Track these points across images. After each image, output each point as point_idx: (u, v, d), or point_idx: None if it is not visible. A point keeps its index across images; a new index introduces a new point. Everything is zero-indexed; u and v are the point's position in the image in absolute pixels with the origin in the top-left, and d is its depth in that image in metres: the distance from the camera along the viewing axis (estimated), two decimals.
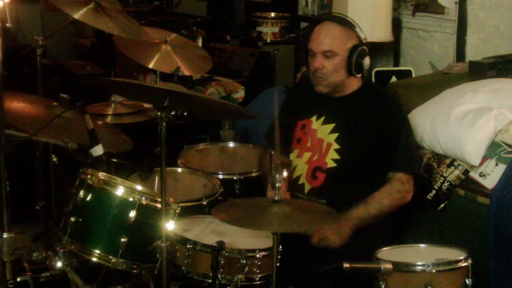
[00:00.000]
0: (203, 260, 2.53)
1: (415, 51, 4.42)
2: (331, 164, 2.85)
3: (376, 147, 2.82)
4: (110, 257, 2.58)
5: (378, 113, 2.86)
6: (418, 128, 3.09)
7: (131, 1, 6.24)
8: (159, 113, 2.35)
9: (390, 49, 4.42)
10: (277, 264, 2.36)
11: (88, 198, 2.62)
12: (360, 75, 2.89)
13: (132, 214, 2.57)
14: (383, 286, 2.34)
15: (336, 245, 2.69)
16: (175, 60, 3.71)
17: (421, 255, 2.48)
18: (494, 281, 2.69)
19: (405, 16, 4.45)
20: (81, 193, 2.63)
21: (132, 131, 3.34)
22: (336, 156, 2.85)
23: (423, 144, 3.11)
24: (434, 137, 3.04)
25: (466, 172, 2.92)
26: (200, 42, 4.91)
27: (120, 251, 2.57)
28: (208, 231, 2.71)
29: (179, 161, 3.37)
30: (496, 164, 2.84)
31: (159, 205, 2.52)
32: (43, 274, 2.84)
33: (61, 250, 2.67)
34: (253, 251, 2.53)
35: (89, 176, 2.64)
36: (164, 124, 2.36)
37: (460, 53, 4.02)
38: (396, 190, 2.78)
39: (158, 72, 3.84)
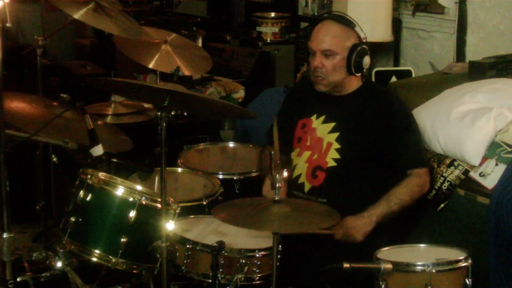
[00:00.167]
0: (203, 260, 2.53)
1: (415, 51, 4.42)
2: (331, 163, 2.85)
3: (382, 145, 2.82)
4: (110, 257, 2.58)
5: (379, 113, 2.86)
6: None
7: (131, 1, 6.24)
8: (159, 113, 2.35)
9: (390, 49, 4.42)
10: (277, 264, 2.36)
11: (88, 198, 2.62)
12: (359, 74, 2.89)
13: (132, 214, 2.57)
14: (383, 286, 2.34)
15: (359, 241, 2.72)
16: (175, 60, 3.72)
17: (421, 255, 2.48)
18: (494, 281, 2.69)
19: (405, 16, 4.44)
20: (81, 193, 2.63)
21: (132, 131, 3.34)
22: (337, 156, 2.85)
23: (424, 142, 3.11)
24: (434, 137, 3.04)
25: (466, 172, 2.92)
26: (200, 42, 4.91)
27: (120, 251, 2.57)
28: (208, 231, 2.71)
29: (179, 161, 3.37)
30: (496, 164, 2.84)
31: (159, 205, 2.52)
32: (43, 274, 2.84)
33: (61, 250, 2.67)
34: (253, 251, 2.53)
35: (89, 176, 2.64)
36: (164, 124, 2.36)
37: (460, 53, 4.02)
38: (415, 184, 2.82)
39: (158, 72, 3.84)
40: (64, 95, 2.98)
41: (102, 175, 2.65)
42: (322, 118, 2.93)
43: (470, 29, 3.98)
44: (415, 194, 2.81)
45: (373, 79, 4.01)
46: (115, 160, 2.70)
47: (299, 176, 2.91)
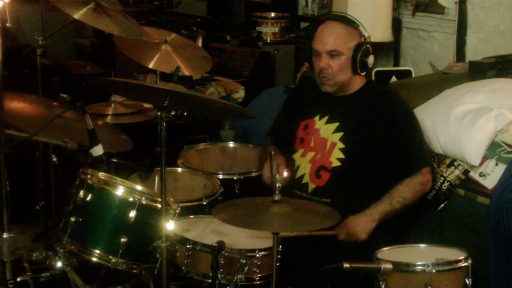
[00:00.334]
0: (203, 260, 2.53)
1: (415, 51, 4.42)
2: (336, 163, 2.85)
3: (385, 145, 2.82)
4: (110, 257, 2.58)
5: (382, 113, 2.86)
6: None
7: (131, 1, 6.24)
8: (159, 113, 2.35)
9: (390, 49, 4.42)
10: (277, 264, 2.36)
11: (88, 198, 2.62)
12: (364, 73, 2.90)
13: (132, 214, 2.57)
14: (383, 286, 2.34)
15: (363, 239, 2.72)
16: (175, 60, 3.72)
17: (421, 255, 2.48)
18: (494, 281, 2.69)
19: (405, 16, 4.45)
20: (81, 193, 2.63)
21: (132, 131, 3.34)
22: (341, 155, 2.85)
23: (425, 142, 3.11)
24: (434, 137, 3.04)
25: (466, 172, 2.92)
26: (200, 42, 4.91)
27: (120, 251, 2.57)
28: (208, 231, 2.71)
29: (179, 161, 3.37)
30: (496, 164, 2.84)
31: (159, 205, 2.52)
32: (43, 274, 2.84)
33: (61, 250, 2.67)
34: (253, 251, 2.53)
35: (89, 176, 2.64)
36: (164, 124, 2.36)
37: (460, 53, 4.02)
38: (418, 182, 2.82)
39: (158, 72, 3.84)
40: (64, 95, 2.97)
41: (102, 175, 2.65)
42: (326, 118, 2.93)
43: (470, 29, 3.99)
44: (417, 193, 2.82)
45: (373, 79, 4.01)
46: (115, 160, 2.70)
47: (302, 176, 2.91)
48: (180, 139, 3.63)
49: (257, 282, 2.54)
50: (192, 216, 2.84)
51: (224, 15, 5.97)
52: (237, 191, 3.21)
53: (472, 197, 2.86)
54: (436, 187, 2.96)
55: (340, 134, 2.87)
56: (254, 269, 2.52)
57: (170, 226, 2.49)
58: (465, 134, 2.91)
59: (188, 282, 2.68)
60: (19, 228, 3.86)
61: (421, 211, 3.03)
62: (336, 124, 2.90)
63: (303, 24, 5.22)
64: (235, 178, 3.23)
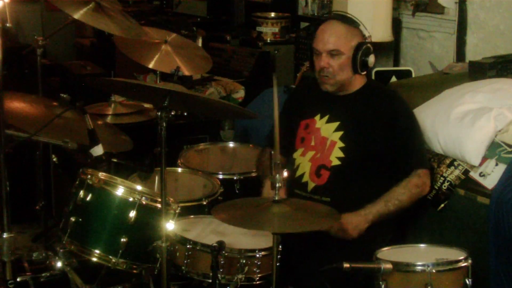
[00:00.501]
0: (203, 260, 2.53)
1: (415, 51, 4.42)
2: (335, 162, 2.85)
3: (385, 145, 2.82)
4: (110, 257, 2.58)
5: (382, 112, 2.86)
6: None
7: (131, 1, 6.24)
8: (159, 113, 2.35)
9: (390, 49, 4.42)
10: (277, 264, 2.36)
11: (88, 198, 2.62)
12: (364, 72, 2.90)
13: (132, 214, 2.57)
14: (383, 286, 2.34)
15: (353, 237, 2.71)
16: (175, 60, 3.72)
17: (421, 255, 2.48)
18: (494, 281, 2.69)
19: (405, 16, 4.45)
20: (81, 193, 2.63)
21: (132, 131, 3.34)
22: (341, 154, 2.85)
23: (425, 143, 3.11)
24: (434, 137, 3.04)
25: (466, 172, 2.92)
26: (200, 42, 4.91)
27: (120, 251, 2.57)
28: (208, 231, 2.71)
29: (179, 161, 3.37)
30: (496, 164, 2.84)
31: (159, 205, 2.52)
32: (43, 274, 2.85)
33: (61, 250, 2.67)
34: (253, 251, 2.53)
35: (89, 176, 2.64)
36: (164, 124, 2.36)
37: (460, 53, 4.02)
38: (415, 185, 2.81)
39: (158, 72, 3.84)
40: (64, 95, 2.97)
41: (102, 175, 2.65)
42: (326, 117, 2.93)
43: (470, 29, 3.99)
44: (413, 195, 2.81)
45: (373, 79, 4.01)
46: (115, 160, 2.70)
47: (302, 175, 2.91)
48: (180, 139, 3.64)
49: (257, 282, 2.54)
50: (192, 216, 2.84)
51: (224, 15, 5.97)
52: (237, 191, 3.21)
53: (472, 197, 2.86)
54: (436, 187, 2.96)
55: (340, 133, 2.88)
56: (254, 269, 2.52)
57: (170, 226, 2.49)
58: (465, 134, 2.91)
59: (188, 282, 2.68)
60: (19, 228, 3.86)
61: (421, 211, 3.03)
62: (337, 123, 2.90)
63: (303, 24, 5.22)
64: (235, 178, 3.23)
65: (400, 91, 3.37)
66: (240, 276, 2.51)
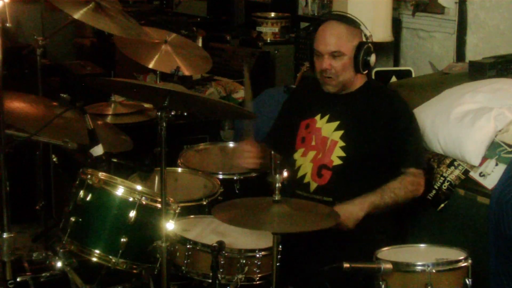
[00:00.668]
0: (203, 260, 2.53)
1: (415, 51, 4.42)
2: (337, 161, 2.85)
3: (384, 144, 2.82)
4: (110, 257, 2.58)
5: (383, 111, 2.86)
6: None
7: (131, 1, 6.24)
8: (159, 113, 2.35)
9: (390, 49, 4.43)
10: (277, 264, 2.36)
11: (88, 198, 2.62)
12: (366, 72, 2.91)
13: (132, 214, 2.57)
14: (383, 286, 2.34)
15: (349, 228, 2.68)
16: (175, 60, 3.72)
17: (421, 255, 2.48)
18: (494, 281, 2.69)
19: (405, 16, 4.45)
20: (81, 193, 2.62)
21: (132, 131, 3.34)
22: (342, 154, 2.85)
23: (423, 144, 3.11)
24: (434, 137, 3.04)
25: (466, 172, 2.92)
26: (200, 42, 4.91)
27: (120, 251, 2.57)
28: (208, 231, 2.71)
29: (179, 161, 3.37)
30: (496, 164, 2.84)
31: (159, 205, 2.52)
32: (43, 274, 2.85)
33: (61, 250, 2.67)
34: (253, 251, 2.53)
35: (89, 176, 2.64)
36: (164, 124, 2.36)
37: (460, 53, 4.02)
38: (410, 182, 2.79)
39: (158, 72, 3.84)
40: (64, 95, 2.97)
41: (102, 175, 2.64)
42: (327, 117, 2.93)
43: (470, 29, 3.99)
44: (408, 192, 2.79)
45: (373, 78, 4.02)
46: (115, 160, 2.70)
47: (304, 176, 2.91)
48: (180, 139, 3.63)
49: (257, 282, 2.54)
50: (192, 216, 2.84)
51: (224, 15, 5.97)
52: (237, 191, 3.21)
53: (472, 197, 2.86)
54: (436, 187, 2.96)
55: (340, 132, 2.88)
56: (254, 269, 2.52)
57: (170, 226, 2.49)
58: (465, 134, 2.91)
59: (188, 282, 2.68)
60: (19, 228, 3.86)
61: (421, 211, 3.03)
62: (337, 122, 2.90)
63: (303, 24, 5.23)
64: (235, 178, 3.23)
65: (400, 91, 3.37)
66: (240, 276, 2.51)
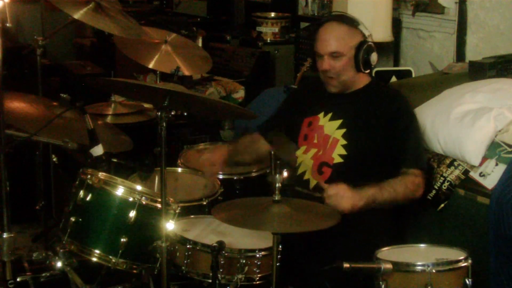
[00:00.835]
0: (203, 260, 2.53)
1: (415, 51, 4.42)
2: (338, 159, 2.85)
3: (385, 144, 2.82)
4: (110, 257, 2.58)
5: (385, 111, 2.87)
6: None
7: (131, 1, 6.24)
8: (159, 113, 2.35)
9: (390, 49, 4.42)
10: (277, 264, 2.36)
11: (88, 198, 2.62)
12: (368, 71, 2.91)
13: (132, 214, 2.57)
14: (383, 286, 2.34)
15: (344, 209, 2.60)
16: (175, 60, 3.72)
17: (421, 255, 2.48)
18: (494, 281, 2.69)
19: (405, 16, 4.45)
20: (81, 193, 2.62)
21: (132, 131, 3.35)
22: (343, 152, 2.85)
23: (424, 144, 3.11)
24: (434, 137, 3.04)
25: (466, 172, 2.92)
26: (200, 42, 4.91)
27: (120, 251, 2.57)
28: (208, 231, 2.71)
29: (179, 161, 3.37)
30: (496, 164, 2.84)
31: (159, 205, 2.52)
32: (43, 274, 2.85)
33: (61, 250, 2.67)
34: (253, 251, 2.53)
35: (89, 176, 2.64)
36: (164, 124, 2.36)
37: (460, 53, 4.02)
38: (411, 181, 2.77)
39: (158, 72, 3.84)
40: (64, 95, 2.98)
41: (102, 175, 2.64)
42: (330, 115, 2.94)
43: (470, 29, 3.99)
44: (408, 191, 2.77)
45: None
46: (115, 160, 2.70)
47: (304, 173, 2.92)
48: (180, 139, 3.64)
49: (257, 282, 2.54)
50: (192, 216, 2.84)
51: (224, 15, 5.98)
52: (237, 191, 3.21)
53: (472, 197, 2.86)
54: (436, 187, 2.96)
55: (343, 131, 2.88)
56: (254, 269, 2.52)
57: (170, 226, 2.49)
58: (465, 134, 2.91)
59: (188, 282, 2.68)
60: (19, 228, 3.86)
61: (421, 211, 3.03)
62: (340, 121, 2.90)
63: (303, 24, 5.22)
64: (235, 178, 3.23)
65: (400, 91, 3.38)
66: (240, 276, 2.51)
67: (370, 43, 2.88)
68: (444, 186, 2.94)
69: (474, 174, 2.89)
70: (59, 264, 2.70)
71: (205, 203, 2.95)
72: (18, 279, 2.76)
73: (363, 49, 2.86)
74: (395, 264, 2.33)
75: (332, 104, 2.96)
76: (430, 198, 2.98)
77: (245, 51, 4.99)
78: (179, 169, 3.29)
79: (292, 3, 5.33)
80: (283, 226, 2.31)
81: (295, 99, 3.22)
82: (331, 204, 2.59)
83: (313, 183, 2.89)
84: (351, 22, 2.89)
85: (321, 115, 2.97)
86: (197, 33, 4.98)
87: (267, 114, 3.68)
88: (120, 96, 3.84)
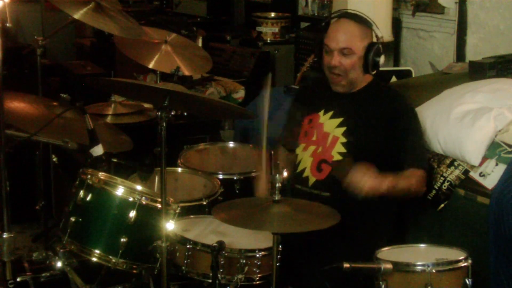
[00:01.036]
0: (203, 260, 2.53)
1: (415, 51, 4.42)
2: (337, 157, 2.85)
3: (386, 143, 2.82)
4: (110, 257, 2.58)
5: (387, 111, 2.86)
6: None
7: (131, 1, 6.24)
8: (159, 113, 2.35)
9: (390, 49, 4.42)
10: (277, 264, 2.36)
11: (88, 198, 2.62)
12: (374, 72, 2.91)
13: (132, 214, 2.57)
14: (383, 286, 2.34)
15: (362, 193, 2.58)
16: (175, 60, 3.72)
17: (421, 255, 2.48)
18: (494, 281, 2.69)
19: (405, 16, 4.45)
20: (81, 193, 2.63)
21: (132, 131, 3.35)
22: (343, 150, 2.85)
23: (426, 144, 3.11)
24: (434, 137, 3.04)
25: (466, 172, 2.92)
26: (200, 42, 4.91)
27: (120, 251, 2.57)
28: (208, 231, 2.71)
29: (179, 161, 3.37)
30: (496, 164, 2.84)
31: (159, 205, 2.52)
32: (43, 274, 2.85)
33: (61, 250, 2.67)
34: (253, 251, 2.53)
35: (89, 176, 2.64)
36: (164, 124, 2.36)
37: (460, 53, 4.02)
38: (416, 179, 2.77)
39: (158, 72, 3.84)
40: (64, 95, 2.98)
41: (102, 175, 2.65)
42: (330, 113, 2.94)
43: (470, 29, 3.99)
44: (413, 187, 2.75)
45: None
46: (115, 160, 2.70)
47: (303, 170, 2.92)
48: (180, 139, 3.64)
49: (257, 282, 2.54)
50: (192, 216, 2.84)
51: (224, 15, 5.97)
52: (237, 191, 3.21)
53: (472, 197, 2.86)
54: (436, 187, 2.96)
55: (343, 129, 2.88)
56: (254, 269, 2.52)
57: (170, 226, 2.49)
58: (465, 134, 2.92)
59: (188, 282, 2.68)
60: (19, 228, 3.87)
61: (421, 211, 3.03)
62: (340, 119, 2.90)
63: (303, 24, 5.23)
64: (235, 178, 3.23)
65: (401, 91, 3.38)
66: (240, 276, 2.51)
67: (380, 45, 2.88)
68: (444, 186, 2.94)
69: (474, 174, 2.89)
70: (59, 264, 2.70)
71: (205, 203, 2.94)
72: (18, 279, 2.77)
73: (373, 50, 2.85)
74: (395, 264, 2.33)
75: (333, 102, 2.95)
76: (430, 198, 2.98)
77: (245, 51, 4.99)
78: (179, 169, 3.29)
79: (292, 3, 5.33)
80: (283, 226, 2.31)
81: (300, 98, 3.23)
82: (352, 182, 2.57)
83: (311, 180, 2.89)
84: (364, 22, 2.89)
85: (321, 112, 2.97)
86: (197, 33, 4.98)
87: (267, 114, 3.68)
88: (120, 96, 3.83)
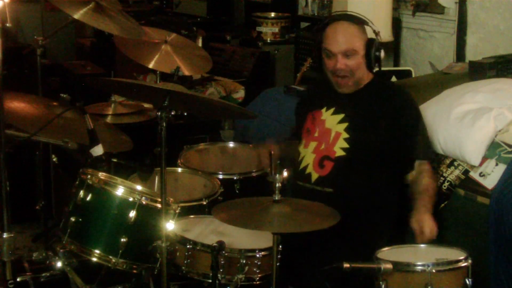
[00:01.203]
0: (203, 260, 2.53)
1: (415, 51, 4.42)
2: (339, 153, 2.85)
3: (389, 138, 2.83)
4: (110, 257, 2.58)
5: (389, 106, 2.87)
6: None
7: (131, 1, 6.24)
8: (159, 113, 2.35)
9: (390, 49, 4.42)
10: (277, 264, 2.36)
11: (88, 198, 2.62)
12: (377, 68, 2.91)
13: (132, 214, 2.57)
14: (383, 286, 2.34)
15: (433, 235, 2.60)
16: (175, 60, 3.72)
17: (421, 255, 2.48)
18: (494, 281, 2.69)
19: (405, 16, 4.45)
20: (81, 193, 2.63)
21: (132, 131, 3.34)
22: (345, 145, 2.85)
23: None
24: (434, 137, 3.04)
25: (466, 172, 2.92)
26: (200, 42, 4.91)
27: (120, 251, 2.57)
28: (208, 231, 2.71)
29: (179, 161, 3.37)
30: (496, 164, 2.84)
31: (159, 205, 2.52)
32: (43, 274, 2.85)
33: (61, 250, 2.67)
34: (253, 251, 2.53)
35: (89, 176, 2.64)
36: (164, 124, 2.36)
37: (460, 53, 4.02)
38: (431, 172, 2.81)
39: (158, 72, 3.84)
40: (64, 95, 2.98)
41: (102, 175, 2.65)
42: (332, 110, 2.94)
43: (470, 29, 3.99)
44: (435, 182, 2.79)
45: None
46: (115, 160, 2.70)
47: (306, 167, 2.91)
48: (180, 139, 3.63)
49: (257, 282, 2.54)
50: (192, 216, 2.84)
51: (224, 15, 5.97)
52: (237, 191, 3.21)
53: (472, 197, 2.86)
54: (436, 187, 2.96)
55: (345, 125, 2.88)
56: (254, 269, 2.52)
57: (170, 226, 2.49)
58: (465, 134, 2.92)
59: (188, 282, 2.68)
60: (19, 228, 3.86)
61: None
62: (342, 115, 2.90)
63: (303, 24, 5.23)
64: (235, 178, 3.23)
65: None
66: (240, 276, 2.51)
67: (378, 38, 2.89)
68: (444, 186, 2.94)
69: (474, 174, 2.89)
70: (59, 264, 2.70)
71: (205, 203, 2.94)
72: (18, 279, 2.77)
73: (374, 46, 2.86)
74: (395, 264, 2.33)
75: (335, 99, 2.96)
76: None
77: (245, 51, 4.99)
78: (179, 169, 3.29)
79: (292, 3, 5.33)
80: (283, 226, 2.31)
81: (306, 97, 3.24)
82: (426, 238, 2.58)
83: (314, 176, 2.89)
84: (360, 22, 2.90)
85: (323, 109, 2.97)
86: (197, 33, 4.98)
87: (267, 114, 3.69)
88: (120, 96, 3.83)
